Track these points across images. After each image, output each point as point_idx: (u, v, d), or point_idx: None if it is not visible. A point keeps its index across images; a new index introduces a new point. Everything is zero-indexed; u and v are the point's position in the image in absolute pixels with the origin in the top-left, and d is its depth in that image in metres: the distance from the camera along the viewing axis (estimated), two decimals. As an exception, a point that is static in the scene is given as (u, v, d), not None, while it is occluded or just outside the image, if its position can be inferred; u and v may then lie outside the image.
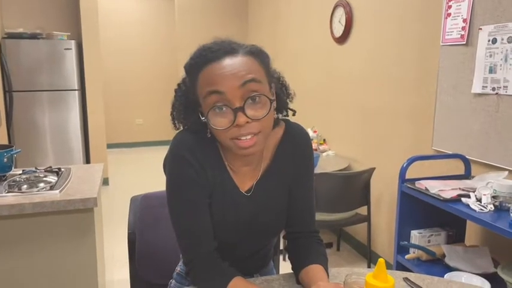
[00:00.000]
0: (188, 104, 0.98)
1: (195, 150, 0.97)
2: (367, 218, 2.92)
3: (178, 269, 1.19)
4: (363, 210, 2.93)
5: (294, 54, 4.39)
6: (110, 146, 6.23)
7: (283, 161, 1.06)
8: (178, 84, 1.03)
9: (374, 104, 3.07)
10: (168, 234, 1.12)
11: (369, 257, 3.00)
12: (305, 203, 1.08)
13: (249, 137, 0.90)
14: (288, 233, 1.11)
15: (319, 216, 2.84)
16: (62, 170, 2.19)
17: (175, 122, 1.02)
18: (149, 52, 7.13)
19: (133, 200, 1.37)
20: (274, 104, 0.96)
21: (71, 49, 4.56)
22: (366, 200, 2.89)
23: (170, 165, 0.99)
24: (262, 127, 0.92)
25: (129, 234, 1.29)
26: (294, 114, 1.05)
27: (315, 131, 3.79)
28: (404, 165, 2.12)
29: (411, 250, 2.17)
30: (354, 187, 2.84)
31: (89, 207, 1.84)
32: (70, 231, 1.88)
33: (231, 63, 0.89)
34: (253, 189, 1.04)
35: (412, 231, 2.19)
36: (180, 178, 0.98)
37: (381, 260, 0.67)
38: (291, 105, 1.06)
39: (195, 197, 0.98)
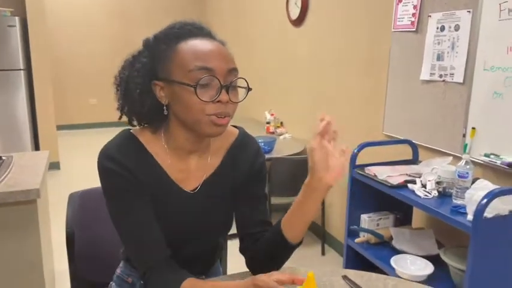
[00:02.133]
0: (145, 86, 0.94)
1: (120, 158, 0.93)
2: (321, 201, 2.97)
3: (118, 271, 1.16)
4: (317, 194, 2.97)
5: (252, 36, 4.33)
6: (61, 127, 5.98)
7: (235, 165, 1.05)
8: (131, 62, 0.97)
9: (328, 88, 3.08)
10: (108, 232, 1.07)
11: (323, 238, 3.06)
12: (258, 211, 1.06)
13: (224, 116, 0.91)
14: (242, 239, 1.08)
15: (275, 200, 2.86)
16: (3, 158, 2.06)
17: (131, 116, 0.98)
18: (103, 25, 6.77)
19: (72, 196, 1.31)
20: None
21: (14, 26, 4.29)
22: (320, 183, 2.93)
23: (101, 180, 0.96)
24: (233, 112, 0.95)
25: (67, 232, 1.24)
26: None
27: (272, 114, 3.78)
28: (355, 152, 2.15)
29: (361, 234, 2.23)
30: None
31: (31, 199, 1.75)
32: (12, 224, 1.79)
33: (216, 45, 0.93)
34: (199, 187, 1.01)
35: (362, 215, 2.24)
36: (112, 191, 0.96)
37: (309, 274, 0.67)
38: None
39: (133, 206, 0.95)
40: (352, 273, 1.06)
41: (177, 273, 0.92)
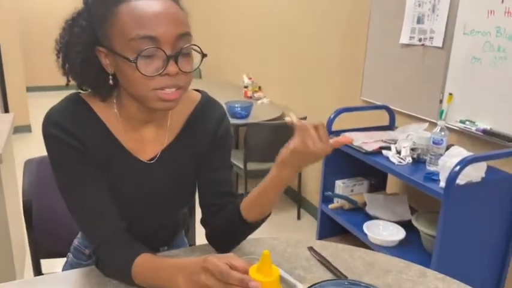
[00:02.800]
0: (86, 54, 0.84)
1: (66, 124, 0.85)
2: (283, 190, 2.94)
3: (75, 242, 1.10)
4: (293, 159, 2.95)
5: (230, -5, 4.16)
6: (31, 89, 5.76)
7: (196, 133, 0.97)
8: (70, 25, 0.85)
9: (306, 52, 3.00)
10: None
11: (299, 203, 3.07)
12: (222, 181, 1.00)
13: (173, 89, 0.81)
14: (204, 210, 1.02)
15: (252, 166, 2.82)
16: (-38, 121, 1.95)
17: (69, 77, 0.88)
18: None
19: (28, 163, 1.24)
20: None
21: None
22: (296, 148, 2.90)
23: (46, 148, 0.87)
24: (187, 82, 0.84)
25: (23, 201, 1.17)
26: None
27: (250, 78, 3.69)
28: (331, 117, 2.11)
29: (335, 199, 2.22)
30: (286, 136, 2.82)
31: (-8, 164, 1.67)
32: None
33: (163, 5, 0.79)
34: (157, 157, 0.94)
35: (336, 181, 2.23)
36: (58, 161, 0.87)
37: (265, 252, 0.62)
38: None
39: (81, 178, 0.87)
40: (319, 245, 1.03)
41: (131, 248, 0.86)
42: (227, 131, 1.00)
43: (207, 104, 0.99)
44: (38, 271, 1.24)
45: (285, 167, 0.83)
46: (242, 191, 2.98)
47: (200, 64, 0.87)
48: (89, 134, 0.87)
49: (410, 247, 1.87)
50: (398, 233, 1.91)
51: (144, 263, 0.81)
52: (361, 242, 1.98)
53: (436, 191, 1.59)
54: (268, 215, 0.93)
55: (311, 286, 0.74)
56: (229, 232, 0.96)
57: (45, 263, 1.26)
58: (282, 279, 0.88)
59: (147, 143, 0.93)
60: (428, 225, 1.80)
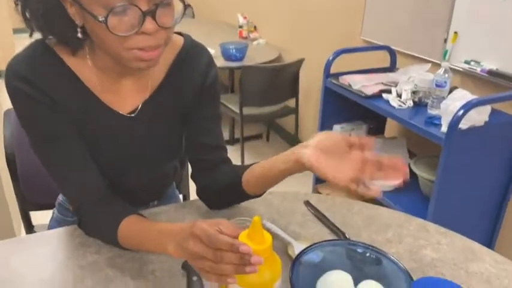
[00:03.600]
0: (49, 3, 0.72)
1: (30, 75, 0.75)
2: (295, 110, 2.88)
3: (60, 198, 1.06)
4: (291, 103, 2.88)
5: None
6: (19, 31, 5.51)
7: (180, 81, 0.89)
8: None
9: (305, -12, 2.82)
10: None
11: (296, 147, 3.03)
12: (210, 134, 0.93)
13: (151, 49, 0.71)
14: (193, 164, 0.96)
15: (248, 110, 2.75)
16: None
17: (33, 27, 0.77)
18: None
19: (7, 114, 1.16)
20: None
21: None
22: (294, 92, 2.82)
23: (12, 102, 0.79)
24: (168, 37, 0.74)
25: (6, 153, 1.11)
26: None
27: (245, 17, 3.51)
28: (330, 59, 2.01)
29: (333, 144, 2.17)
30: (283, 79, 2.74)
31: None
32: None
33: None
34: (138, 110, 0.87)
35: (334, 126, 2.17)
36: (25, 117, 0.80)
37: (255, 218, 0.58)
38: None
39: (53, 134, 0.80)
40: (316, 198, 0.99)
41: (114, 211, 0.81)
42: (215, 78, 0.92)
43: (191, 48, 0.90)
44: (28, 225, 1.22)
45: (303, 167, 0.74)
46: (238, 135, 2.93)
47: (182, 16, 0.75)
48: (58, 86, 0.78)
49: (408, 191, 1.85)
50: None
51: (131, 227, 0.77)
52: (359, 187, 1.96)
53: (437, 136, 1.54)
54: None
55: (307, 248, 0.70)
56: (225, 196, 0.92)
57: (37, 216, 1.23)
58: (276, 237, 0.85)
59: (126, 95, 0.86)
60: (427, 170, 1.77)
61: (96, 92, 0.83)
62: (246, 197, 0.88)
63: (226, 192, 0.90)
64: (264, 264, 0.57)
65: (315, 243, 0.72)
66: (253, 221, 0.57)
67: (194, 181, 0.96)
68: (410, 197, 1.83)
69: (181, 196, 1.31)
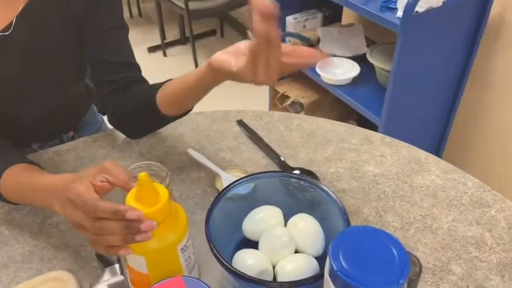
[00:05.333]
0: None
1: None
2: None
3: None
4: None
5: None
6: None
7: None
8: None
9: None
10: None
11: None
12: (115, 49, 0.76)
13: None
14: (100, 87, 0.80)
15: (195, 5, 2.48)
16: None
17: None
18: None
19: None
20: None
21: None
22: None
23: None
24: None
25: None
26: None
27: None
28: None
29: (287, 39, 2.00)
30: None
31: None
32: None
33: None
34: (13, 25, 0.68)
35: (287, 17, 1.98)
36: None
37: (141, 176, 0.44)
38: None
39: None
40: (251, 115, 0.87)
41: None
42: None
43: None
44: None
45: (221, 76, 0.61)
46: (188, 34, 2.69)
47: None
48: None
49: (364, 83, 1.76)
50: (352, 70, 1.77)
51: (14, 178, 0.64)
52: (316, 83, 1.85)
53: (392, 22, 1.39)
54: (191, 109, 0.76)
55: (235, 182, 0.61)
56: (139, 120, 0.78)
57: None
58: (203, 167, 0.75)
59: None
60: (383, 60, 1.65)
61: None
62: (164, 119, 0.74)
63: (140, 114, 0.76)
64: (162, 226, 0.47)
65: (241, 178, 0.62)
66: (140, 179, 0.45)
67: (103, 106, 0.82)
68: (366, 89, 1.74)
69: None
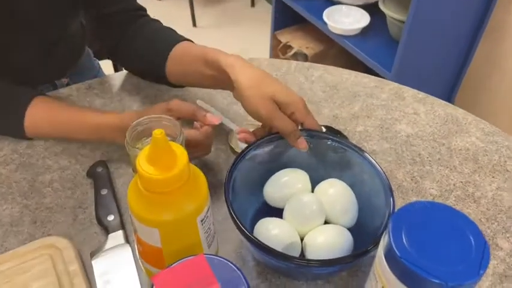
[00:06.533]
0: None
1: None
2: None
3: None
4: None
5: None
6: None
7: None
8: None
9: None
10: None
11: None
12: None
13: None
14: (97, 23, 0.72)
15: None
16: None
17: None
18: None
19: None
20: None
21: None
22: None
23: None
24: None
25: None
26: None
27: None
28: None
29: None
30: None
31: None
32: None
33: None
34: None
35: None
36: None
37: (156, 133, 0.35)
38: None
39: None
40: (267, 65, 0.77)
41: (15, 99, 0.62)
42: None
43: None
44: None
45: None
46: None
47: None
48: None
49: (374, 34, 1.64)
50: (362, 19, 1.65)
51: (42, 113, 0.60)
52: (321, 33, 1.73)
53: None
54: None
55: (251, 145, 0.52)
56: (147, 73, 0.73)
57: None
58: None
59: None
60: (397, 9, 1.53)
61: None
62: (175, 85, 0.70)
63: (146, 69, 0.71)
64: (179, 193, 0.38)
65: (262, 139, 0.53)
66: (154, 137, 0.36)
67: (103, 45, 0.73)
68: (376, 41, 1.63)
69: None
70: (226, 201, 0.46)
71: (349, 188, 0.53)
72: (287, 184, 0.54)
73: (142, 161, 0.38)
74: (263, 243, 0.44)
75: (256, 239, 0.44)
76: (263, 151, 0.55)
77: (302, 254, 0.50)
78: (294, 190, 0.53)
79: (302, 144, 0.52)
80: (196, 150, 0.56)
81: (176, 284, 0.35)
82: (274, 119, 0.51)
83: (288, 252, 0.47)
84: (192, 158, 0.54)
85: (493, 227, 0.54)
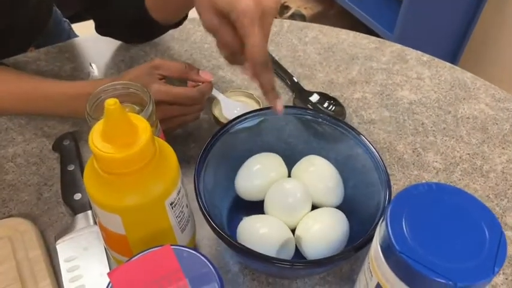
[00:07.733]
0: None
1: None
2: None
3: None
4: None
5: None
6: None
7: None
8: None
9: None
10: None
11: None
12: None
13: None
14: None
15: None
16: None
17: None
18: None
19: None
20: None
21: None
22: None
23: None
24: None
25: None
26: None
27: None
28: None
29: None
30: None
31: None
32: None
33: None
34: None
35: None
36: None
37: (109, 102, 0.29)
38: None
39: None
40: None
41: None
42: None
43: None
44: None
45: None
46: None
47: None
48: None
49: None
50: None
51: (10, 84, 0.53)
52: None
53: None
54: (186, 17, 0.63)
55: (237, 119, 0.46)
56: (135, 32, 0.65)
57: None
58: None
59: None
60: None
61: None
62: (160, 28, 0.62)
63: (133, 29, 0.64)
64: (143, 174, 0.33)
65: (246, 114, 0.47)
66: (107, 108, 0.30)
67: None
68: (378, 0, 1.55)
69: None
70: (196, 196, 0.39)
71: (329, 163, 0.47)
72: (258, 174, 0.47)
73: (96, 138, 0.31)
74: (262, 254, 0.37)
75: (236, 241, 0.38)
76: (248, 125, 0.48)
77: (296, 249, 0.44)
78: (268, 179, 0.46)
79: (279, 105, 0.43)
80: (191, 111, 0.51)
81: (136, 280, 0.30)
82: (215, 32, 0.41)
83: (283, 252, 0.42)
84: (182, 123, 0.52)
85: (503, 204, 0.49)
